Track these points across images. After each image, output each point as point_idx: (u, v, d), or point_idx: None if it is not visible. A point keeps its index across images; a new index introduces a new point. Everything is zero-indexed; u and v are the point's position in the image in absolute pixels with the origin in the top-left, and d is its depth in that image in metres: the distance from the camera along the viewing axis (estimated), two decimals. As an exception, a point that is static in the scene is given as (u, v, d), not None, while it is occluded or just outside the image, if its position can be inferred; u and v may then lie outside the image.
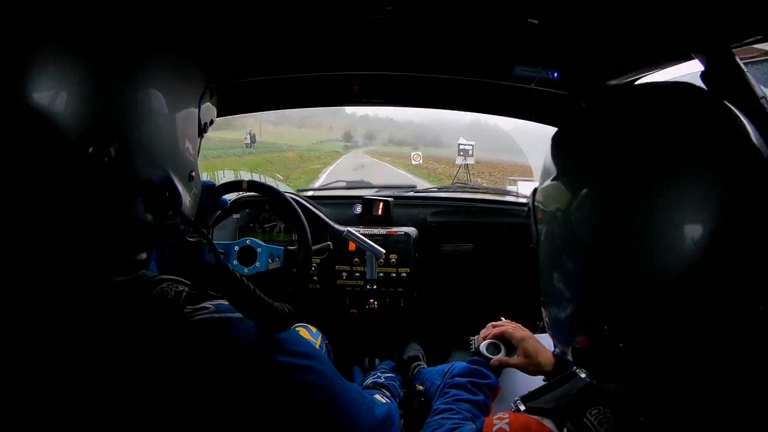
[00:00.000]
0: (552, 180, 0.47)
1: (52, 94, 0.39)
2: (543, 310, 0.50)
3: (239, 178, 1.19)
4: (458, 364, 1.09)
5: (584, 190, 0.42)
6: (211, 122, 0.57)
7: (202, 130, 0.54)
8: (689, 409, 0.39)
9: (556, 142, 0.49)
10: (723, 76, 0.70)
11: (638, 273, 0.39)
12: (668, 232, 0.37)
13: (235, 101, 1.36)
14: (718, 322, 0.38)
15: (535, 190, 0.50)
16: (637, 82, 1.01)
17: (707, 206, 0.37)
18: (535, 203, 0.50)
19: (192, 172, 0.52)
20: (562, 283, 0.45)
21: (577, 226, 0.42)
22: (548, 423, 0.42)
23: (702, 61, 0.73)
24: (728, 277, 0.37)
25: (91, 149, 0.40)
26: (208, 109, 0.55)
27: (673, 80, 0.47)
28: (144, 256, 0.51)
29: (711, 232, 0.37)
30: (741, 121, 0.41)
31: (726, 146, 0.39)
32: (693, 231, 0.37)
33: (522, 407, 0.48)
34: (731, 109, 0.42)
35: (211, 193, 0.95)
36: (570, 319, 0.45)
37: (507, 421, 0.45)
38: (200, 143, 0.56)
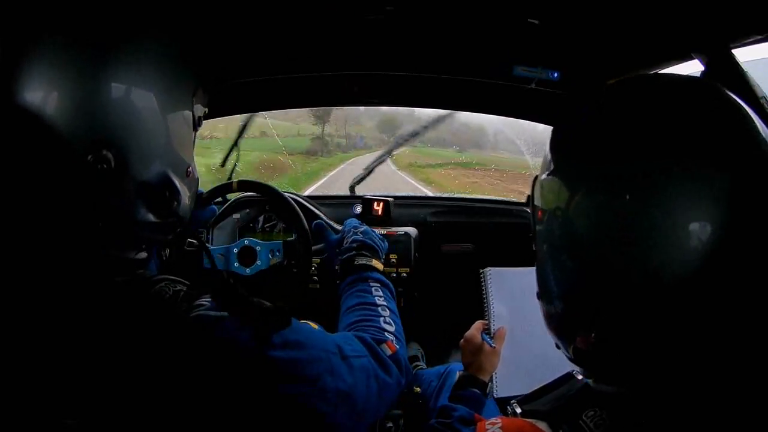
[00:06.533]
0: (549, 174, 0.45)
1: (46, 102, 0.39)
2: (539, 300, 0.49)
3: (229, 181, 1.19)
4: (455, 366, 1.08)
5: (581, 188, 0.41)
6: (205, 114, 0.57)
7: (196, 124, 0.54)
8: (688, 412, 0.38)
9: (554, 135, 0.48)
10: (723, 76, 0.70)
11: (638, 274, 0.38)
12: (671, 232, 0.36)
13: (235, 101, 1.36)
14: (722, 324, 0.38)
15: (535, 179, 0.49)
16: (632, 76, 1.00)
17: (711, 203, 0.36)
18: (534, 194, 0.49)
19: (188, 168, 0.52)
20: (559, 280, 0.44)
21: (574, 224, 0.41)
22: (543, 426, 0.42)
23: (702, 61, 0.73)
24: (733, 277, 0.37)
25: (90, 157, 0.41)
26: (200, 103, 0.55)
27: (677, 74, 0.46)
28: (144, 255, 0.51)
29: (715, 231, 0.36)
30: (749, 114, 0.39)
31: (732, 140, 0.38)
32: (698, 230, 0.36)
33: (518, 409, 0.48)
34: (738, 102, 0.40)
35: (200, 201, 0.93)
36: (566, 317, 0.45)
37: (500, 425, 0.44)
38: (195, 137, 0.56)
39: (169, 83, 0.49)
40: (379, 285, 0.75)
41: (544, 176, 0.46)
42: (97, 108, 0.42)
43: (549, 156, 0.46)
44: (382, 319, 0.66)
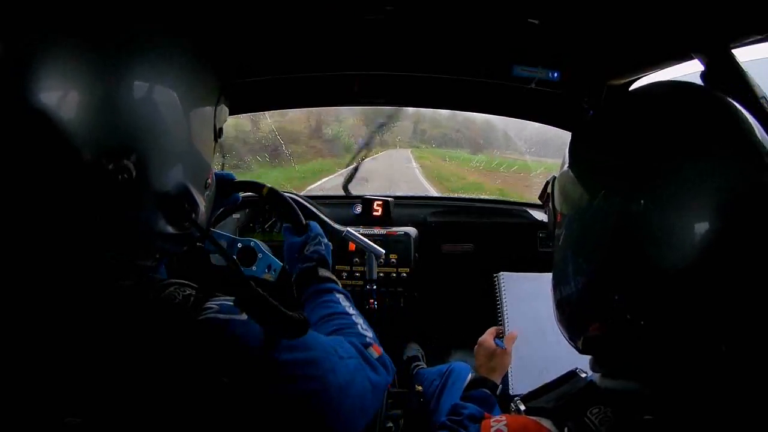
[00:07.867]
0: (568, 175, 0.47)
1: (64, 109, 0.38)
2: (553, 294, 0.50)
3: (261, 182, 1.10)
4: (457, 364, 1.09)
5: (598, 187, 0.43)
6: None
7: (217, 135, 0.54)
8: (699, 407, 0.39)
9: (574, 137, 0.50)
10: (723, 76, 0.70)
11: (651, 266, 0.39)
12: (679, 229, 0.38)
13: (235, 101, 1.36)
14: (729, 316, 0.39)
15: (553, 178, 0.51)
16: (640, 83, 1.01)
17: (716, 203, 0.38)
18: (554, 191, 0.51)
19: (208, 179, 0.52)
20: (577, 269, 0.45)
21: (591, 222, 0.43)
22: (547, 423, 0.42)
23: (702, 61, 0.74)
24: (739, 272, 0.38)
25: (110, 166, 0.40)
26: (222, 111, 0.54)
27: (681, 80, 0.48)
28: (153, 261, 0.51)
29: (721, 228, 0.37)
30: (748, 119, 0.41)
31: (732, 145, 0.40)
32: (703, 228, 0.38)
33: (522, 407, 0.48)
34: (737, 108, 0.42)
35: (230, 186, 0.87)
36: (583, 304, 0.46)
37: (505, 422, 0.45)
38: (215, 147, 0.55)
39: (192, 88, 0.47)
40: (343, 296, 0.76)
41: (563, 177, 0.48)
42: (118, 116, 0.40)
43: (568, 155, 0.48)
44: (358, 326, 0.68)
